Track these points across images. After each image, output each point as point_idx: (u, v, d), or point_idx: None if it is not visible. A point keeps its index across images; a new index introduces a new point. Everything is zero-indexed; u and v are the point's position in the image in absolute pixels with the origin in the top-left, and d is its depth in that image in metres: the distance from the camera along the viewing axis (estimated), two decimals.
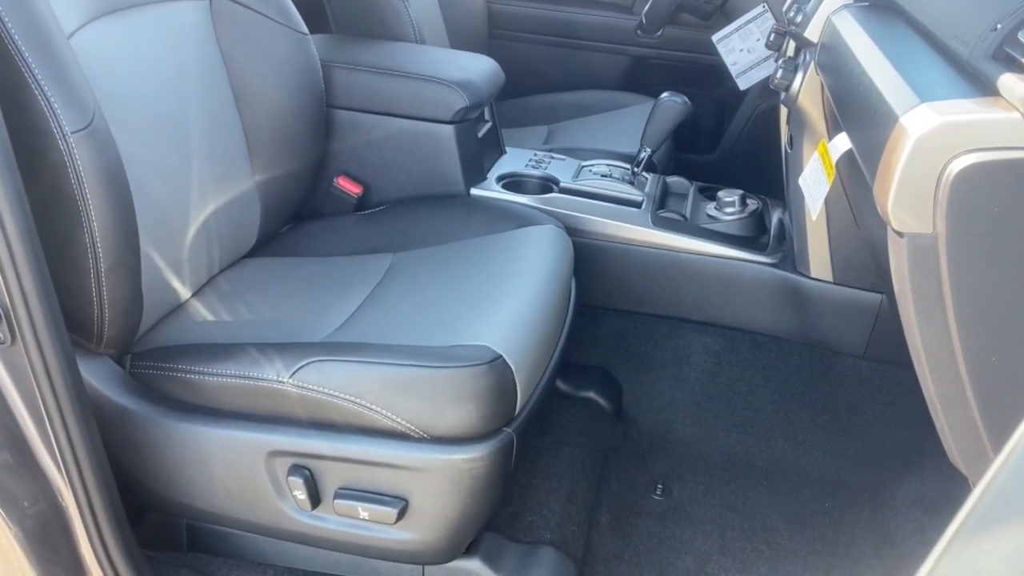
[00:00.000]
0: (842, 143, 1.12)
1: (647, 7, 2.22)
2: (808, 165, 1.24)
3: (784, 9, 1.76)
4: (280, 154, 1.63)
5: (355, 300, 1.42)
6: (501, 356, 1.21)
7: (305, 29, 1.63)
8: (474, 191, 1.81)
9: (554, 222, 1.65)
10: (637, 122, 2.44)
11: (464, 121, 1.77)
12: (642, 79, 2.75)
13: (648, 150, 1.87)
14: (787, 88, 1.52)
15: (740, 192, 1.80)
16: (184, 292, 1.45)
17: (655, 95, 2.65)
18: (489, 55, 2.69)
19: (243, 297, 1.47)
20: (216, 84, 1.54)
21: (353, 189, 1.79)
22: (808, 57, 1.49)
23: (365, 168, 1.80)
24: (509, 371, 1.21)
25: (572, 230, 1.72)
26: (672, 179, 1.98)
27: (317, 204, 1.81)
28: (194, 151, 1.47)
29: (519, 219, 1.65)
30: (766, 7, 2.03)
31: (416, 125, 1.76)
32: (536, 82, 2.70)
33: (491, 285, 1.41)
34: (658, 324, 1.80)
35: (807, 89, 1.49)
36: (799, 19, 1.48)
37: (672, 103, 1.82)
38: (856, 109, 1.07)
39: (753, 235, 1.76)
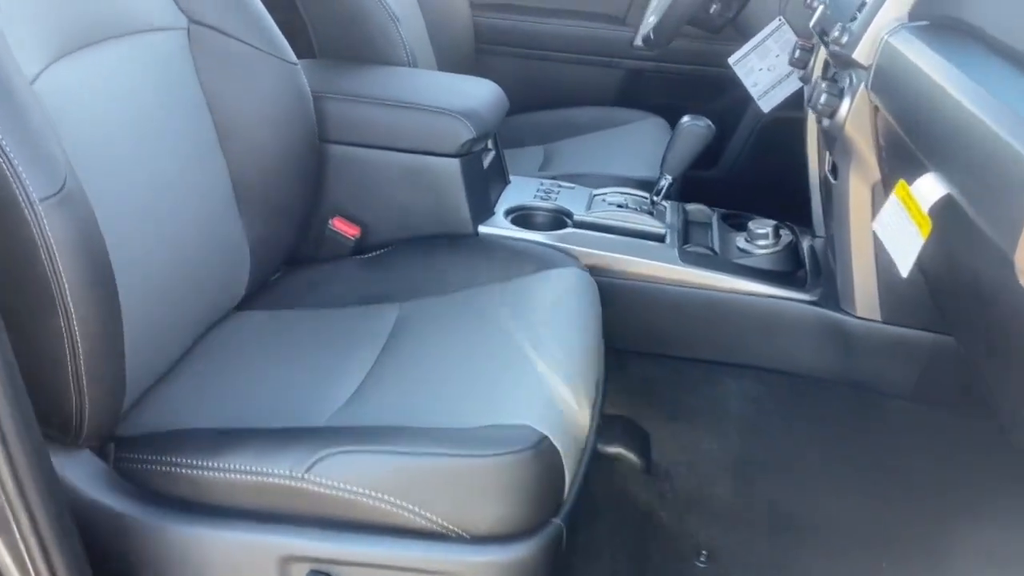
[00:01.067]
0: (932, 188, 0.99)
1: (655, 21, 2.09)
2: (885, 211, 1.11)
3: (811, 23, 1.63)
4: (269, 195, 1.46)
5: (364, 364, 1.26)
6: (546, 437, 1.06)
7: (294, 58, 1.47)
8: (482, 228, 1.66)
9: (577, 263, 1.50)
10: (638, 141, 2.31)
11: (470, 153, 1.61)
12: (638, 93, 2.61)
13: (669, 178, 1.73)
14: (832, 114, 1.38)
15: (772, 223, 1.67)
16: (170, 359, 1.28)
17: (653, 110, 2.53)
18: (477, 71, 2.55)
19: (237, 363, 1.30)
20: (198, 122, 1.37)
21: (350, 231, 1.63)
22: (855, 80, 1.36)
23: (362, 207, 1.63)
24: (556, 454, 1.06)
25: (592, 268, 1.58)
26: (692, 207, 1.85)
27: (311, 248, 1.64)
28: (175, 198, 1.29)
29: (537, 261, 1.50)
30: (783, 20, 1.91)
31: (418, 160, 1.60)
32: (527, 99, 2.55)
33: (519, 344, 1.26)
34: (689, 368, 1.66)
35: (855, 116, 1.36)
36: (844, 39, 1.35)
37: (695, 128, 1.68)
38: (952, 147, 0.94)
39: (789, 269, 1.63)
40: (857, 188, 1.43)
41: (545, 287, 1.44)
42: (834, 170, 1.47)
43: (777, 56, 1.92)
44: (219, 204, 1.39)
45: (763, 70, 1.94)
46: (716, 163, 2.61)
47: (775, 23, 1.90)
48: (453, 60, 2.32)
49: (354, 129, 1.60)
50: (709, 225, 1.79)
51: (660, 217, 1.75)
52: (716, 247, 1.67)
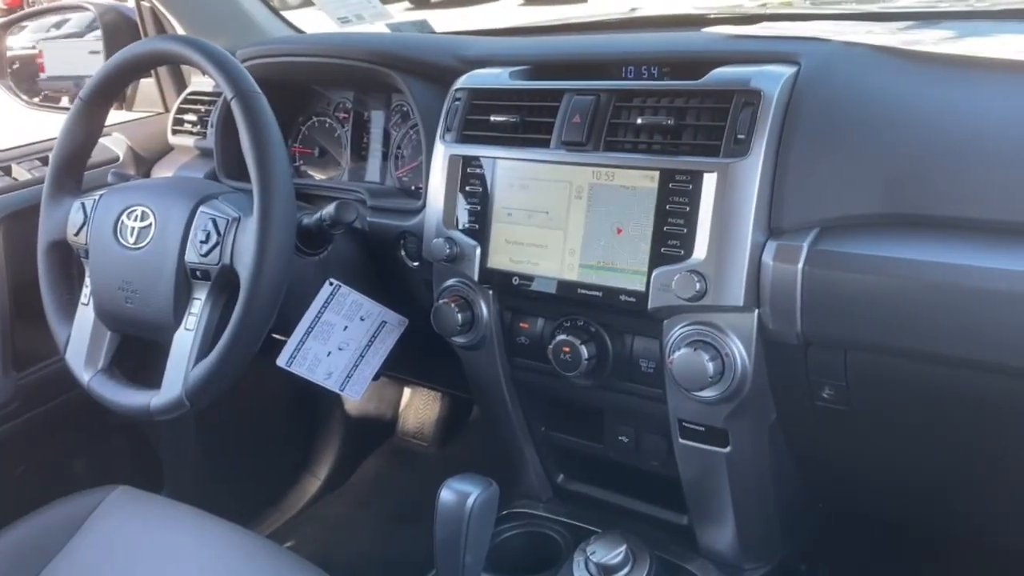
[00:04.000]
0: None
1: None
2: None
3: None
4: None
5: None
6: None
7: None
8: None
9: None
10: None
11: None
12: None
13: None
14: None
15: (620, 544, 1.20)
16: None
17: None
18: None
19: None
20: None
21: None
22: (729, 332, 1.07)
23: None
24: None
25: None
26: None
27: None
28: None
29: None
30: (335, 282, 1.36)
31: None
32: None
33: None
34: None
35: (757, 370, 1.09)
36: (697, 288, 1.01)
37: (492, 495, 1.10)
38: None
39: None
40: (755, 443, 1.16)
41: None
42: (711, 437, 1.16)
43: (346, 328, 1.45)
44: None
45: (334, 352, 1.45)
46: None
47: (326, 288, 1.34)
48: None
49: None
50: None
51: None
52: None
